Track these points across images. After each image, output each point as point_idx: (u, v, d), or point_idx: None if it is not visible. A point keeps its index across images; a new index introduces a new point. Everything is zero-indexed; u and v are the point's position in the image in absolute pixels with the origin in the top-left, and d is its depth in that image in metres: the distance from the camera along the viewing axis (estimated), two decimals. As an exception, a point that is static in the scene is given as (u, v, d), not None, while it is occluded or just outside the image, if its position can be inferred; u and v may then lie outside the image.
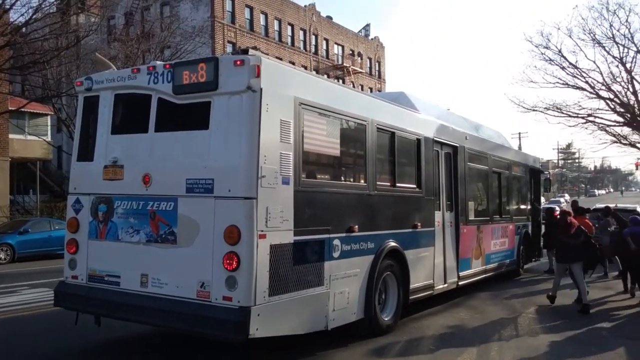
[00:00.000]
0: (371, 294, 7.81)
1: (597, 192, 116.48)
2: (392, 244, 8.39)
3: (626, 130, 32.59)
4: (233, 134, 6.09)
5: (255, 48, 6.61)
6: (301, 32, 50.09)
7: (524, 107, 32.43)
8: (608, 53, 29.35)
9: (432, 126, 10.26)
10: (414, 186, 9.46)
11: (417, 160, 9.57)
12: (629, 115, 29.98)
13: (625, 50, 28.77)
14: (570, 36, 39.39)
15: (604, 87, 29.96)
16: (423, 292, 9.44)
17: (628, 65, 28.84)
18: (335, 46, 54.78)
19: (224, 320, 5.78)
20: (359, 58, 57.68)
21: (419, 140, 9.60)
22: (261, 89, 6.04)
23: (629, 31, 29.19)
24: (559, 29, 42.41)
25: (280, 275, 6.20)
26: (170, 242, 6.38)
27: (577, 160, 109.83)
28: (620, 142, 33.26)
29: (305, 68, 45.01)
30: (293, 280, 6.41)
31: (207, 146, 6.25)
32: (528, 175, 16.40)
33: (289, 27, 48.72)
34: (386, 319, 8.32)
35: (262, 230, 5.96)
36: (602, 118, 31.58)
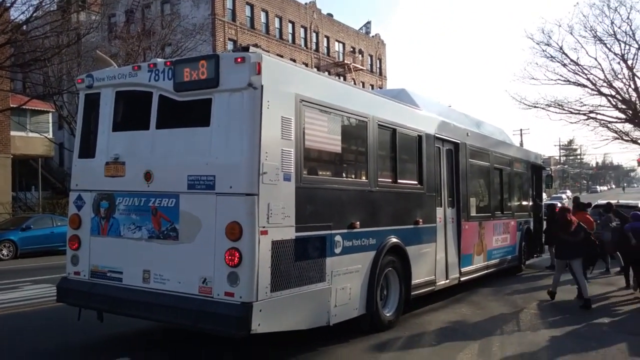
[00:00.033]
0: (373, 290, 7.83)
1: (599, 188, 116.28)
2: (394, 240, 8.41)
3: (628, 127, 32.55)
4: (234, 131, 6.10)
5: (256, 45, 6.59)
6: (302, 30, 50.05)
7: (525, 104, 32.38)
8: (609, 50, 29.31)
9: (434, 123, 10.26)
10: (416, 182, 9.47)
11: (419, 157, 9.57)
12: (630, 112, 29.92)
13: (627, 47, 28.71)
14: (571, 33, 39.50)
15: (605, 84, 29.91)
16: (425, 288, 9.46)
17: (629, 62, 28.79)
18: (336, 43, 54.75)
19: (226, 316, 5.80)
20: (360, 55, 57.64)
21: (420, 137, 9.60)
22: (262, 86, 6.04)
23: (631, 28, 29.07)
24: (560, 26, 42.50)
25: (282, 271, 6.21)
26: (172, 238, 6.41)
27: (578, 157, 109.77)
28: (622, 139, 33.21)
29: (306, 65, 44.99)
30: (295, 276, 6.42)
31: (208, 143, 6.26)
32: (530, 171, 16.40)
33: (290, 25, 48.69)
34: (388, 315, 8.34)
35: (263, 227, 5.98)
36: (603, 115, 31.54)
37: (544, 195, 21.42)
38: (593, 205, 19.07)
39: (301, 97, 6.67)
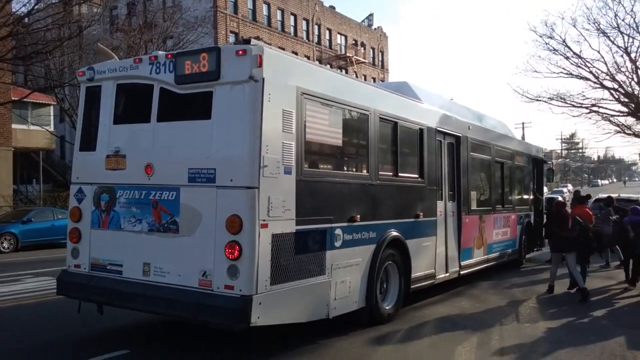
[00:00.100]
0: (373, 283, 7.85)
1: (600, 182, 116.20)
2: (394, 233, 8.42)
3: (630, 120, 32.47)
4: (235, 124, 6.10)
5: (257, 38, 6.58)
6: (304, 22, 49.91)
7: (527, 97, 32.27)
8: (613, 43, 29.16)
9: (435, 116, 10.25)
10: (417, 176, 9.47)
11: (420, 150, 9.57)
12: (633, 105, 29.83)
13: (630, 39, 28.56)
14: (574, 26, 39.08)
15: (608, 77, 29.79)
16: (424, 281, 9.48)
17: (633, 55, 28.65)
18: (338, 36, 54.59)
19: (226, 309, 5.82)
20: (362, 48, 57.48)
21: (421, 130, 9.60)
22: (263, 79, 6.04)
23: (634, 20, 28.93)
24: (563, 18, 42.41)
25: (282, 264, 6.23)
26: (173, 231, 6.42)
27: (580, 150, 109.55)
28: (624, 132, 33.13)
29: (308, 58, 44.88)
30: (295, 269, 6.44)
31: (209, 136, 6.26)
32: (531, 165, 16.39)
33: (292, 17, 48.54)
34: (387, 308, 8.36)
35: (264, 220, 5.99)
36: (606, 108, 31.44)
37: (545, 189, 21.41)
38: (594, 199, 19.09)
39: (302, 90, 6.66)
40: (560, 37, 31.00)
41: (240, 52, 6.04)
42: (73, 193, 7.40)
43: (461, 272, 11.00)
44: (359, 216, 7.62)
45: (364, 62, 56.54)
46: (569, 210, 12.36)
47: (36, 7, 23.32)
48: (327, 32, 52.99)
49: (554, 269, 11.35)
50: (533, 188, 16.63)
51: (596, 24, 29.13)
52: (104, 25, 37.22)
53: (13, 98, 28.21)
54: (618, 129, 32.85)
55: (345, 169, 7.92)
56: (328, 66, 37.41)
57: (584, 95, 31.23)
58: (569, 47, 30.15)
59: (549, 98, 31.53)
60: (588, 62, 30.06)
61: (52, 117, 33.52)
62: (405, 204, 9.02)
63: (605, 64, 29.91)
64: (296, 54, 40.81)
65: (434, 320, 8.71)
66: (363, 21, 60.40)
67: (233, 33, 41.90)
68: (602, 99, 31.17)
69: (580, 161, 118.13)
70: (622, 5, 28.60)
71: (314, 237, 6.82)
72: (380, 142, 8.39)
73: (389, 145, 8.79)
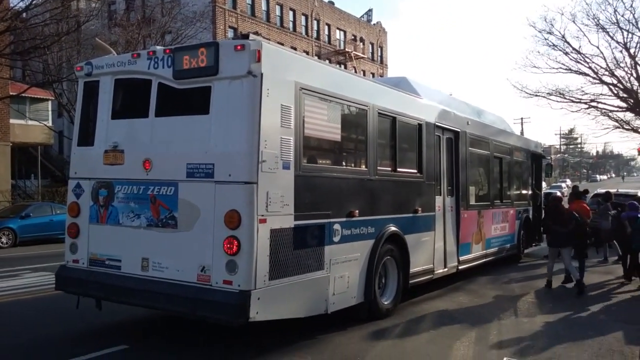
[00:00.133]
0: (371, 278, 7.85)
1: (598, 177, 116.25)
2: (393, 228, 8.42)
3: (629, 116, 32.50)
4: (233, 119, 6.09)
5: (256, 33, 6.56)
6: (303, 17, 49.79)
7: (526, 93, 32.30)
8: (612, 38, 29.18)
9: (434, 111, 10.24)
10: (415, 171, 9.46)
11: (419, 146, 9.56)
12: (632, 101, 29.85)
13: (630, 35, 28.57)
14: (574, 21, 39.30)
15: (607, 73, 29.82)
16: (423, 276, 9.49)
17: (632, 51, 28.66)
18: (337, 31, 54.48)
19: (224, 304, 5.83)
20: (361, 43, 57.38)
21: (420, 126, 9.59)
22: (262, 74, 6.02)
23: (634, 16, 29.04)
24: (562, 14, 42.47)
25: (281, 259, 6.23)
26: (171, 226, 6.42)
27: (579, 146, 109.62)
28: (623, 128, 33.17)
29: (307, 53, 44.80)
30: (293, 264, 6.44)
31: (207, 131, 6.25)
32: (529, 160, 16.39)
33: (291, 12, 48.42)
34: (386, 303, 8.36)
35: (262, 215, 5.99)
36: (604, 103, 31.48)
37: (544, 184, 21.43)
38: (592, 194, 19.13)
39: (301, 85, 6.65)
40: (560, 33, 31.04)
41: (239, 47, 6.02)
42: (71, 188, 7.39)
43: (460, 267, 11.01)
44: (357, 211, 7.61)
45: (363, 58, 56.43)
46: (565, 205, 12.40)
47: (34, 2, 23.28)
48: (326, 27, 52.88)
49: (551, 264, 11.40)
50: (532, 183, 16.63)
51: (595, 20, 29.16)
52: (102, 20, 37.10)
53: (11, 93, 28.15)
54: (617, 124, 32.90)
55: (343, 164, 7.91)
56: (327, 61, 37.35)
57: (583, 91, 31.27)
58: (568, 43, 30.18)
59: (547, 93, 31.58)
60: (587, 57, 30.10)
61: (50, 112, 33.48)
62: (404, 199, 9.01)
63: (605, 59, 29.98)
64: (295, 49, 40.72)
65: (433, 315, 8.72)
66: (362, 16, 60.27)
67: (232, 28, 41.80)
68: (601, 94, 31.21)
69: (579, 156, 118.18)
70: (622, 1, 28.45)
71: (313, 232, 6.82)
72: (379, 138, 8.38)
73: (387, 141, 8.78)
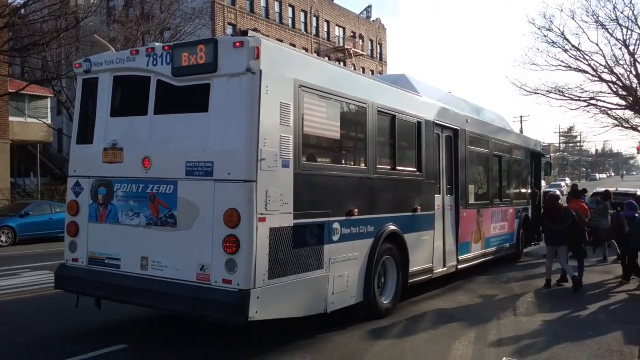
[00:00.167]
0: (371, 278, 7.84)
1: (598, 176, 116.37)
2: (392, 227, 8.40)
3: (628, 114, 32.45)
4: (233, 117, 6.06)
5: (255, 30, 6.54)
6: (302, 14, 49.68)
7: (526, 90, 32.23)
8: (611, 35, 29.11)
9: (433, 109, 10.21)
10: (415, 170, 9.44)
11: (418, 144, 9.54)
12: (631, 99, 29.81)
13: (629, 32, 28.50)
14: (573, 18, 39.19)
15: (606, 70, 29.76)
16: (422, 275, 9.47)
17: (631, 48, 28.60)
18: (337, 28, 54.38)
19: (224, 303, 5.81)
20: (361, 40, 57.30)
21: (419, 124, 9.56)
22: (261, 71, 6.00)
23: (633, 13, 29.05)
24: (562, 11, 42.36)
25: (280, 258, 6.21)
26: (170, 225, 6.39)
27: (578, 144, 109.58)
28: (622, 126, 33.14)
29: (307, 50, 44.72)
30: (293, 263, 6.42)
31: (206, 129, 6.23)
32: (529, 158, 16.37)
33: (290, 9, 48.32)
34: (385, 303, 8.35)
35: (261, 214, 5.96)
36: (604, 101, 31.42)
37: (543, 183, 21.41)
38: (592, 193, 19.11)
39: (300, 83, 6.62)
40: (559, 30, 31.13)
41: (238, 44, 5.99)
42: (71, 186, 7.37)
43: (459, 267, 11.00)
44: (357, 210, 7.59)
45: (362, 55, 56.36)
46: (561, 203, 12.43)
47: (33, -2, 23.20)
48: (326, 24, 52.77)
49: (550, 263, 11.40)
50: (531, 182, 16.62)
51: (595, 17, 29.08)
52: (101, 16, 36.97)
53: (10, 90, 28.10)
54: (616, 122, 32.86)
55: (343, 162, 7.89)
56: (326, 58, 37.29)
57: (582, 89, 31.22)
58: (567, 40, 30.11)
59: (547, 91, 31.52)
60: (587, 55, 30.03)
61: (49, 110, 33.39)
62: (403, 198, 8.99)
63: (604, 56, 29.91)
64: (294, 46, 40.65)
65: (432, 314, 8.71)
66: (362, 13, 60.17)
67: (231, 25, 41.71)
68: (601, 92, 31.16)
69: (579, 155, 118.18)
70: (622, -3, 28.42)
71: (312, 231, 6.80)
72: (379, 136, 8.36)
73: (387, 139, 8.76)
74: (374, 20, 61.13)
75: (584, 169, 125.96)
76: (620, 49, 29.23)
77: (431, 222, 9.82)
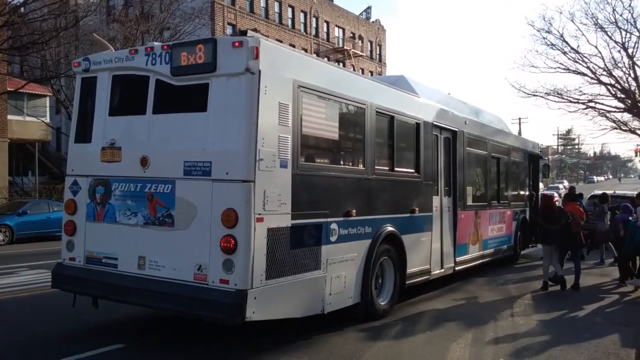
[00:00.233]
0: (368, 279, 7.83)
1: (596, 178, 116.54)
2: (390, 228, 8.40)
3: (626, 117, 32.53)
4: (231, 117, 6.06)
5: (255, 30, 6.53)
6: (302, 14, 49.68)
7: (524, 92, 32.31)
8: (610, 38, 29.19)
9: (432, 110, 10.22)
10: (413, 171, 9.45)
11: (416, 145, 9.54)
12: (629, 102, 29.88)
13: (628, 35, 28.57)
14: (572, 20, 39.01)
15: (605, 73, 29.83)
16: (420, 277, 9.47)
17: (630, 51, 28.67)
18: (336, 29, 54.38)
19: (221, 303, 5.80)
20: (360, 41, 57.31)
21: (418, 125, 9.56)
22: (259, 71, 5.99)
23: (632, 16, 28.96)
24: (561, 13, 42.41)
25: (277, 258, 6.20)
26: (168, 224, 6.39)
27: (576, 147, 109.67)
28: (620, 129, 33.22)
29: (306, 51, 44.72)
30: (290, 263, 6.42)
31: (205, 129, 6.22)
32: (527, 160, 16.38)
33: (290, 9, 48.32)
34: (382, 304, 8.35)
35: (259, 214, 5.96)
36: (602, 104, 31.51)
37: (541, 185, 21.44)
38: (590, 195, 19.14)
39: (299, 83, 6.62)
40: (558, 32, 31.20)
41: (237, 44, 5.99)
42: (68, 185, 7.36)
43: (456, 268, 11.00)
44: (354, 211, 7.59)
45: (361, 56, 56.37)
46: (555, 203, 12.52)
47: (32, -4, 23.16)
48: (325, 24, 52.77)
49: (546, 265, 11.41)
50: (529, 184, 16.63)
51: (594, 19, 29.18)
52: (100, 15, 36.98)
53: (9, 89, 28.05)
54: (614, 125, 32.95)
55: (341, 163, 7.89)
56: (325, 59, 37.25)
57: (580, 91, 31.30)
58: (566, 42, 30.21)
59: (545, 93, 31.60)
60: (585, 57, 30.13)
61: (48, 109, 33.36)
62: (401, 199, 8.99)
63: (603, 59, 29.98)
64: (294, 46, 40.60)
65: (429, 316, 8.71)
66: (361, 14, 60.17)
67: (230, 25, 41.70)
68: (599, 94, 31.23)
69: (577, 157, 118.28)
70: (621, 0, 28.40)
71: (310, 232, 6.79)
72: (377, 136, 8.36)
73: (385, 140, 8.76)
74: (373, 21, 61.14)
75: (582, 172, 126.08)
76: (619, 51, 29.32)
77: (429, 223, 9.82)
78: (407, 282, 8.93)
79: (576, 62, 30.25)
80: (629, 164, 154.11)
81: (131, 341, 6.99)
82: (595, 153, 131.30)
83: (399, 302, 8.92)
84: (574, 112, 32.41)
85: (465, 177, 11.56)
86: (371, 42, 59.87)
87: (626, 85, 29.69)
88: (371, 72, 56.39)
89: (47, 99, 33.04)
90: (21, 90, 28.69)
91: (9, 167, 29.76)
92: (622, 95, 30.04)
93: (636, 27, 28.28)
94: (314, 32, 51.10)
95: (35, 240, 20.37)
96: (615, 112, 31.84)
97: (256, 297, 5.86)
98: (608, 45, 30.39)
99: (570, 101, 31.53)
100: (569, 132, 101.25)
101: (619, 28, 28.55)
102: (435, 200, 10.15)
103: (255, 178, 5.92)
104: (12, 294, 10.10)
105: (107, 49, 7.64)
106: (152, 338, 7.30)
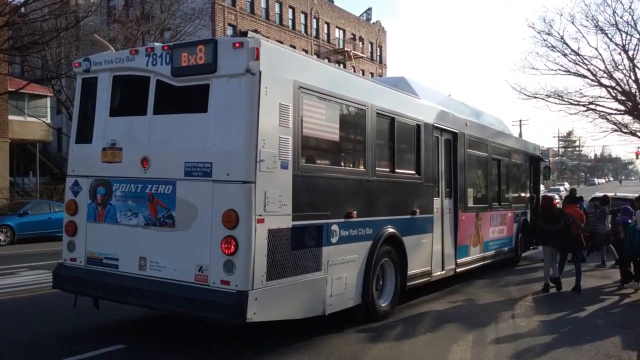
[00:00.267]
0: (369, 280, 7.82)
1: (596, 180, 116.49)
2: (391, 230, 8.39)
3: (627, 119, 32.58)
4: (232, 118, 6.06)
5: (255, 31, 6.54)
6: (302, 15, 49.70)
7: (525, 94, 32.38)
8: (610, 40, 29.23)
9: (432, 112, 10.21)
10: (413, 172, 9.44)
11: (417, 146, 9.53)
12: (630, 104, 29.90)
13: (628, 37, 28.63)
14: (572, 23, 38.89)
15: (605, 75, 29.87)
16: (420, 278, 9.46)
17: (630, 53, 28.71)
18: (337, 30, 54.41)
19: (222, 304, 5.80)
20: (360, 42, 57.33)
21: (418, 126, 9.56)
22: (260, 72, 5.99)
23: (632, 18, 29.06)
24: (561, 15, 42.47)
25: (278, 260, 6.20)
26: (169, 225, 6.38)
27: (577, 149, 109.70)
28: (621, 131, 33.25)
29: (306, 52, 44.75)
30: (291, 265, 6.41)
31: (205, 129, 6.22)
32: (528, 162, 16.37)
33: (290, 10, 48.34)
34: (383, 305, 8.33)
35: (260, 215, 5.95)
36: (603, 106, 31.56)
37: (542, 187, 21.42)
38: (591, 197, 19.12)
39: (299, 84, 6.62)
40: (559, 34, 31.16)
41: (237, 45, 5.99)
42: (69, 186, 7.35)
43: (457, 270, 10.99)
44: (355, 212, 7.59)
45: (362, 57, 56.38)
46: (556, 204, 12.51)
47: (33, -3, 23.19)
48: (326, 25, 52.79)
49: (547, 266, 11.39)
50: (530, 186, 16.61)
51: (594, 21, 29.22)
52: (101, 16, 37.00)
53: (9, 89, 28.07)
54: (615, 127, 33.00)
55: (342, 164, 7.88)
56: (326, 60, 37.27)
57: (581, 93, 31.34)
58: (567, 44, 30.25)
59: (546, 95, 31.67)
60: (586, 59, 30.17)
61: (48, 109, 33.38)
62: (402, 201, 8.99)
63: (603, 61, 30.04)
64: (294, 47, 40.62)
65: (430, 317, 8.70)
66: (361, 15, 60.20)
67: (231, 25, 41.72)
68: (600, 97, 31.30)
69: (577, 159, 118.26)
70: (621, 2, 28.44)
71: (311, 233, 6.79)
72: (378, 138, 8.35)
73: (386, 141, 8.75)
74: (373, 23, 61.17)
75: (583, 174, 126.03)
76: (620, 53, 29.36)
77: (430, 225, 9.81)
78: (408, 284, 8.92)
79: (577, 64, 30.32)
80: (630, 167, 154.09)
81: (132, 342, 6.98)
82: (596, 155, 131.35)
83: (399, 304, 8.91)
84: (574, 114, 32.51)
85: (466, 179, 11.55)
86: (372, 44, 59.89)
87: (627, 87, 29.71)
88: (372, 74, 56.43)
89: (48, 99, 33.06)
90: (22, 91, 28.73)
91: (10, 168, 29.77)
92: (623, 98, 30.07)
93: (636, 30, 28.34)
94: (314, 33, 51.13)
95: (36, 240, 20.38)
96: (616, 114, 31.91)
97: (257, 298, 5.86)
98: (608, 48, 30.56)
99: (571, 103, 31.58)
100: (569, 134, 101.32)
101: (620, 30, 28.61)
102: (436, 201, 10.14)
103: (256, 179, 5.92)
104: (13, 295, 10.10)
105: (107, 49, 7.64)
106: (152, 339, 7.29)
